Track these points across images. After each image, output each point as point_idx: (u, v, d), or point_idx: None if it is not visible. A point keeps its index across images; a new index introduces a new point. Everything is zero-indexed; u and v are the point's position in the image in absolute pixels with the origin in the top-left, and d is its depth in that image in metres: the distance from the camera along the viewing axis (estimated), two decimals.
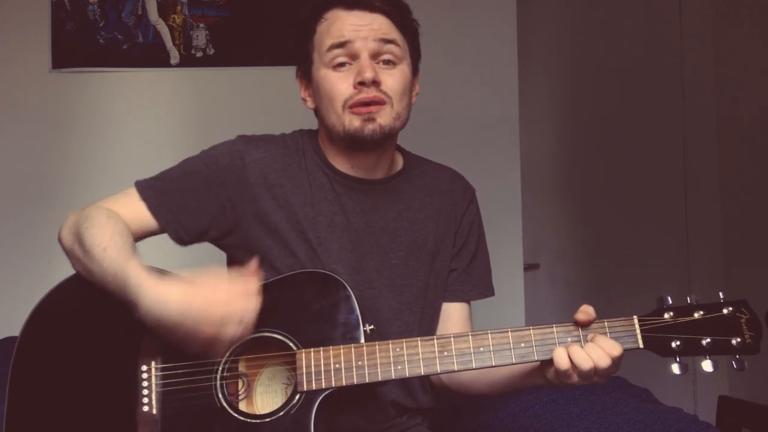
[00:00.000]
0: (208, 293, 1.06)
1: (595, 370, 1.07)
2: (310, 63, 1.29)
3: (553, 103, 2.93)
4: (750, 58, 2.82)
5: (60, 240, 1.24)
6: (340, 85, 1.24)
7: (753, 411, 2.32)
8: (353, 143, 1.27)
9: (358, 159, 1.31)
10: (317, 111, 1.32)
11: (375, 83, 1.23)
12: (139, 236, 1.26)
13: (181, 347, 1.09)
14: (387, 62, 1.26)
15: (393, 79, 1.26)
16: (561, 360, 1.08)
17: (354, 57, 1.25)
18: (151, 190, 1.27)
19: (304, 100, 1.35)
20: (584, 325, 1.11)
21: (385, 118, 1.25)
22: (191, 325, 1.05)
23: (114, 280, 1.12)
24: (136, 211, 1.25)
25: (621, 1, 2.98)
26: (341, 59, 1.25)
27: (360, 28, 1.24)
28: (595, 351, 1.07)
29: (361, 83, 1.23)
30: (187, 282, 1.08)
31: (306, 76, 1.32)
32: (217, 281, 1.08)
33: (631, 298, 2.68)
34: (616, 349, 1.07)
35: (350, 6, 1.25)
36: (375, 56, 1.25)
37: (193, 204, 1.27)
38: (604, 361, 1.06)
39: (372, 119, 1.24)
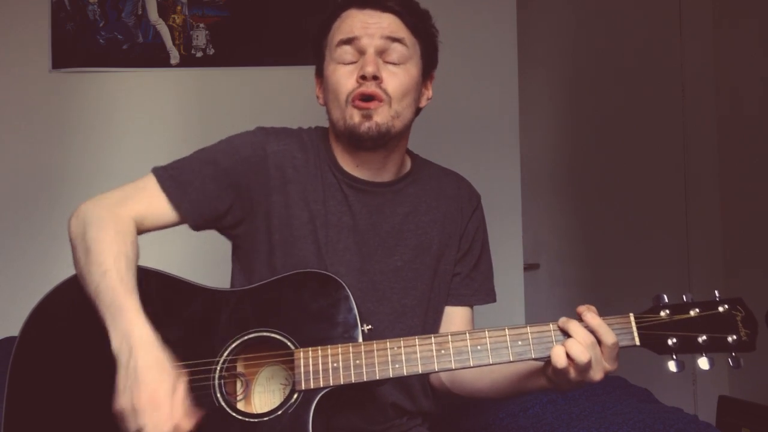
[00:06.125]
0: (158, 385, 1.02)
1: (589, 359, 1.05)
2: (323, 59, 1.32)
3: (553, 103, 2.93)
4: (750, 59, 2.82)
5: (68, 228, 1.20)
6: (345, 79, 1.26)
7: (753, 411, 2.32)
8: (352, 139, 1.27)
9: (361, 158, 1.31)
10: (326, 107, 1.33)
11: (375, 78, 1.24)
12: (152, 230, 1.25)
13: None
14: (393, 62, 1.27)
15: (394, 78, 1.26)
16: (558, 358, 1.06)
17: (361, 53, 1.26)
18: (171, 181, 1.25)
19: (317, 97, 1.36)
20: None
21: (382, 116, 1.25)
22: (123, 387, 1.03)
23: (106, 308, 1.09)
24: (154, 204, 1.24)
25: (621, 2, 2.98)
26: (349, 56, 1.27)
27: (368, 26, 1.26)
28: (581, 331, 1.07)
29: (363, 77, 1.24)
30: (161, 361, 1.05)
31: (320, 73, 1.34)
32: (173, 390, 1.03)
33: (631, 299, 2.65)
34: (602, 327, 1.07)
35: (363, 5, 1.28)
36: (381, 53, 1.26)
37: (213, 193, 1.26)
38: (589, 338, 1.06)
39: (369, 116, 1.24)
